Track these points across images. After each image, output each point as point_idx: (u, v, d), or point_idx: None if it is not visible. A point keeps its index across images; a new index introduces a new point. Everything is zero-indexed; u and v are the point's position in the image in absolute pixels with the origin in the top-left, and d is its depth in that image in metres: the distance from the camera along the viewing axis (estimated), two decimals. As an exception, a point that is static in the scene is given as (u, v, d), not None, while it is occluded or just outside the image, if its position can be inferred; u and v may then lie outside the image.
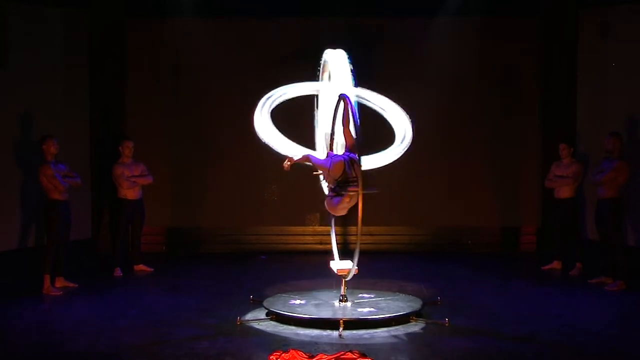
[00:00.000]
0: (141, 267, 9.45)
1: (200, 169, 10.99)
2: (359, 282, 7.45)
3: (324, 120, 7.66)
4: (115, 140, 9.77)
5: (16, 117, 9.84)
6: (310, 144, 7.70)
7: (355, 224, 10.77)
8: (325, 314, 6.71)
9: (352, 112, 6.80)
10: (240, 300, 7.55)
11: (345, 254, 10.24)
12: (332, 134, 7.33)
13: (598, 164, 8.59)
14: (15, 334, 6.58)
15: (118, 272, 9.15)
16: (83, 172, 9.87)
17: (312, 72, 7.97)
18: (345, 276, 6.89)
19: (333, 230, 7.61)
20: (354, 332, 6.38)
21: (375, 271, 8.74)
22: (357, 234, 6.62)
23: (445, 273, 9.37)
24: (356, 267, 6.79)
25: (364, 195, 6.60)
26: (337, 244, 11.08)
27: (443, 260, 10.22)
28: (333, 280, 7.48)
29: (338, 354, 5.51)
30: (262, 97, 7.74)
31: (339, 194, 6.68)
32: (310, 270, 9.00)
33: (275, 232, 10.92)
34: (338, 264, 7.15)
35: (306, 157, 6.95)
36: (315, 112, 7.81)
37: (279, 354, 5.54)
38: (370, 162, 7.31)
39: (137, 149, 9.45)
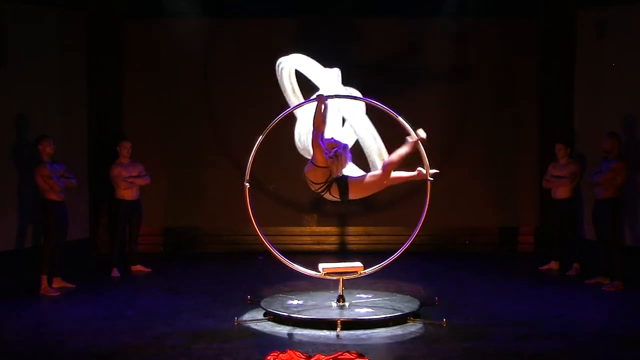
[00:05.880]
0: (139, 267, 9.45)
1: (197, 170, 10.98)
2: (357, 283, 7.44)
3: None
4: (113, 141, 9.77)
5: (14, 117, 9.83)
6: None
7: (355, 225, 10.91)
8: (322, 314, 6.70)
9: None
10: (237, 301, 7.55)
11: (343, 254, 10.27)
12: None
13: (596, 165, 8.60)
14: (13, 334, 6.56)
15: (116, 273, 9.14)
16: (80, 173, 9.88)
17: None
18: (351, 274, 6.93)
19: (261, 232, 7.14)
20: (352, 332, 6.38)
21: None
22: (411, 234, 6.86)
23: (443, 273, 9.37)
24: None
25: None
26: (336, 244, 11.13)
27: (441, 261, 10.22)
28: (331, 280, 7.47)
29: (336, 355, 5.51)
30: (259, 96, 7.78)
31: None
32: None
33: (273, 233, 10.84)
34: (331, 265, 7.16)
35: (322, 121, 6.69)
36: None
37: (276, 354, 5.54)
38: None
39: (135, 149, 9.44)
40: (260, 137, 7.11)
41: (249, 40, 10.88)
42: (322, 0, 10.71)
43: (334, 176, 6.63)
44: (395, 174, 6.70)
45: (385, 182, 6.67)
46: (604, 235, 8.40)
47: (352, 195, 6.70)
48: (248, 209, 7.07)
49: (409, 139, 6.72)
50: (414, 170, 6.77)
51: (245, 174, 7.13)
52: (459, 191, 10.89)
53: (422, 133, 6.75)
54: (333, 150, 6.58)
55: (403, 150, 6.68)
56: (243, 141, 9.65)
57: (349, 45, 10.61)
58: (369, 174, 6.82)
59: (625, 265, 8.26)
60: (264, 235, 7.11)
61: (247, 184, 7.12)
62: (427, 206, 6.78)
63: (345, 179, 6.66)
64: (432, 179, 6.77)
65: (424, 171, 6.76)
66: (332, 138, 6.72)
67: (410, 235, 6.93)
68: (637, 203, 9.73)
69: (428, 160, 6.80)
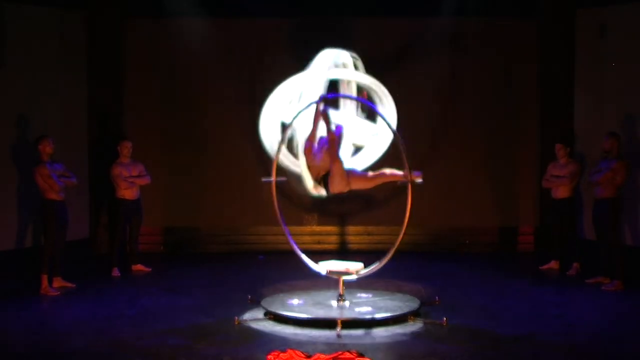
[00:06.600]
0: (139, 267, 9.45)
1: (198, 169, 10.98)
2: (357, 282, 7.44)
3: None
4: (113, 141, 9.77)
5: (14, 117, 9.83)
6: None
7: (355, 224, 10.90)
8: (323, 313, 6.71)
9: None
10: (237, 300, 7.55)
11: (344, 254, 10.26)
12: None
13: (596, 164, 8.61)
14: (13, 334, 6.56)
15: (116, 272, 9.15)
16: (81, 172, 9.88)
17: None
18: (350, 275, 6.94)
19: (287, 230, 7.34)
20: (352, 331, 6.39)
21: (373, 271, 8.72)
22: (400, 233, 6.91)
23: (443, 273, 9.37)
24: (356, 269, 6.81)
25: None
26: (336, 244, 11.12)
27: (441, 260, 10.23)
28: (331, 280, 7.47)
29: (336, 354, 5.51)
30: (260, 96, 7.78)
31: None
32: (308, 270, 8.98)
33: (273, 232, 10.91)
34: (335, 264, 7.16)
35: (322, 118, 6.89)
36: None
37: (276, 353, 5.54)
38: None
39: (135, 149, 9.44)
40: (286, 131, 7.17)
41: (249, 40, 10.87)
42: (323, 1, 10.70)
43: (322, 173, 6.82)
44: (384, 170, 6.90)
45: (369, 185, 6.95)
46: (604, 235, 8.40)
47: (333, 188, 6.84)
48: (274, 204, 7.14)
49: (406, 172, 6.81)
50: (401, 170, 6.86)
51: (272, 171, 7.21)
52: (459, 191, 10.90)
53: (418, 178, 6.83)
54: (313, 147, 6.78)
55: (397, 175, 6.87)
56: (242, 141, 9.68)
57: (348, 45, 10.59)
58: (360, 171, 7.02)
59: (625, 265, 8.27)
60: (289, 233, 7.27)
61: (272, 179, 7.22)
62: (409, 207, 6.78)
63: (326, 175, 6.82)
64: (419, 180, 6.78)
65: (412, 173, 6.79)
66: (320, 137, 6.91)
67: (398, 237, 6.93)
68: (637, 203, 9.74)
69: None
